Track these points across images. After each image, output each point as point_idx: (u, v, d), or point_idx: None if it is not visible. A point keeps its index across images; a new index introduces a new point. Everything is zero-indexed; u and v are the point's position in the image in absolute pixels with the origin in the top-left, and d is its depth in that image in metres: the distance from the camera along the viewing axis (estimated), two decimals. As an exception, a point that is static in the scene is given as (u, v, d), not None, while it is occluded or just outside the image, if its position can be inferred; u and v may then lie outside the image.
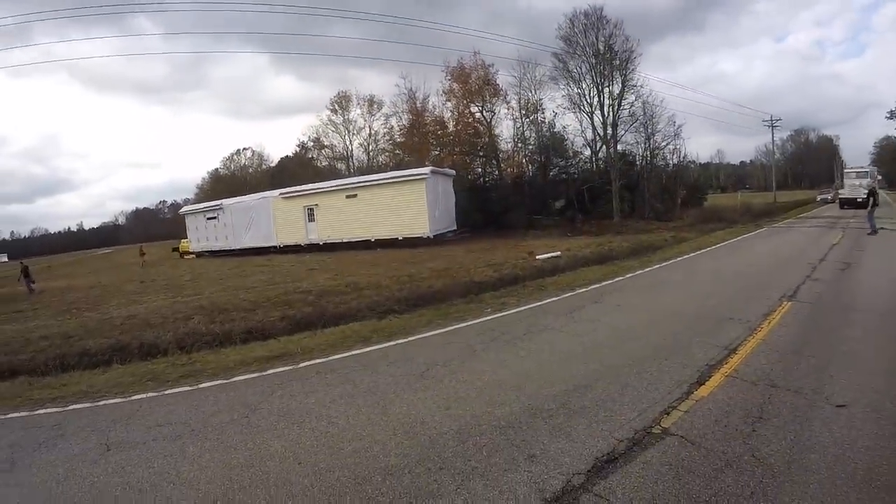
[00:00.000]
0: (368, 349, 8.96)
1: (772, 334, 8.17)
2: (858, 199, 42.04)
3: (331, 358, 8.50)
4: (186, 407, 6.66)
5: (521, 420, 5.47)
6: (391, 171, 40.99)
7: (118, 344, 9.90)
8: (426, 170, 34.94)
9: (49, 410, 6.95)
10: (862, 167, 54.79)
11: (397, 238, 33.75)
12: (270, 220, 40.31)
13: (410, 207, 33.78)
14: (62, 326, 12.48)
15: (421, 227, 33.47)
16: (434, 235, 33.67)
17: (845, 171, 54.47)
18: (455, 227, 38.18)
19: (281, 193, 40.45)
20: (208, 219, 46.16)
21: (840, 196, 50.55)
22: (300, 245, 38.13)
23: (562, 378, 6.69)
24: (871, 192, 28.88)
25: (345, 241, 35.55)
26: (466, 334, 9.58)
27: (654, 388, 6.15)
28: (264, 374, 7.88)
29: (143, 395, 7.27)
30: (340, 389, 6.86)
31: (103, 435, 5.89)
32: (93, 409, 6.88)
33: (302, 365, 8.20)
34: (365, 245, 34.31)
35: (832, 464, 4.25)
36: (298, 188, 40.69)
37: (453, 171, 40.07)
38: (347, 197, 36.63)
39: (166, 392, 7.36)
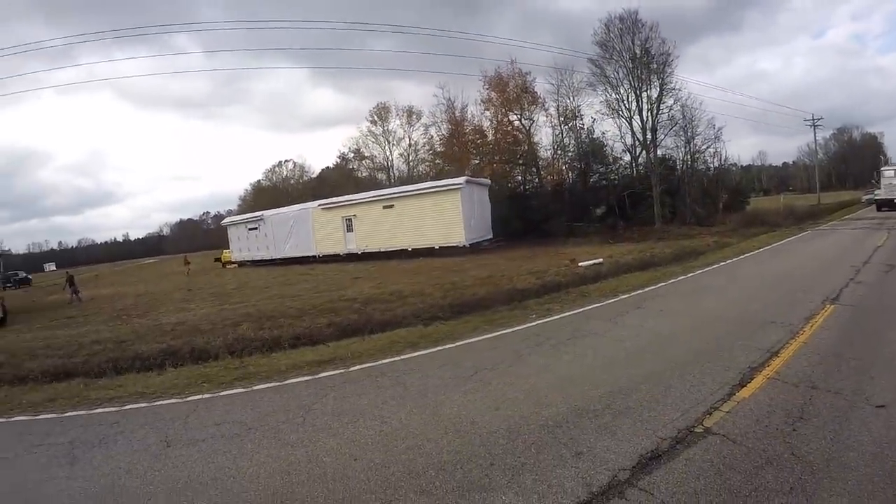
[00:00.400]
0: (416, 354, 9.12)
1: (813, 337, 8.12)
2: None
3: (380, 362, 8.67)
4: (242, 407, 6.88)
5: (567, 420, 5.57)
6: (431, 180, 41.19)
7: (170, 349, 10.20)
8: (461, 179, 35.14)
9: (107, 409, 7.21)
10: None
11: (434, 247, 33.94)
12: (310, 230, 40.83)
13: (446, 217, 33.99)
14: (114, 332, 12.89)
15: (457, 236, 33.66)
16: (470, 244, 33.81)
17: (882, 169, 49.36)
18: (491, 236, 38.27)
19: (320, 204, 41.00)
20: (250, 229, 47.02)
21: (876, 197, 47.05)
22: (339, 255, 38.47)
23: (606, 381, 6.77)
24: None
25: (382, 250, 35.82)
26: (512, 340, 9.67)
27: (697, 390, 6.20)
28: (316, 377, 8.07)
29: (199, 396, 7.50)
30: (392, 391, 7.03)
31: (162, 432, 6.11)
32: (150, 409, 7.13)
33: (353, 369, 8.39)
34: (401, 254, 34.61)
35: (870, 461, 4.28)
36: (337, 199, 41.21)
37: (488, 181, 40.28)
38: (385, 207, 36.97)
39: (221, 393, 7.59)
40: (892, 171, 46.06)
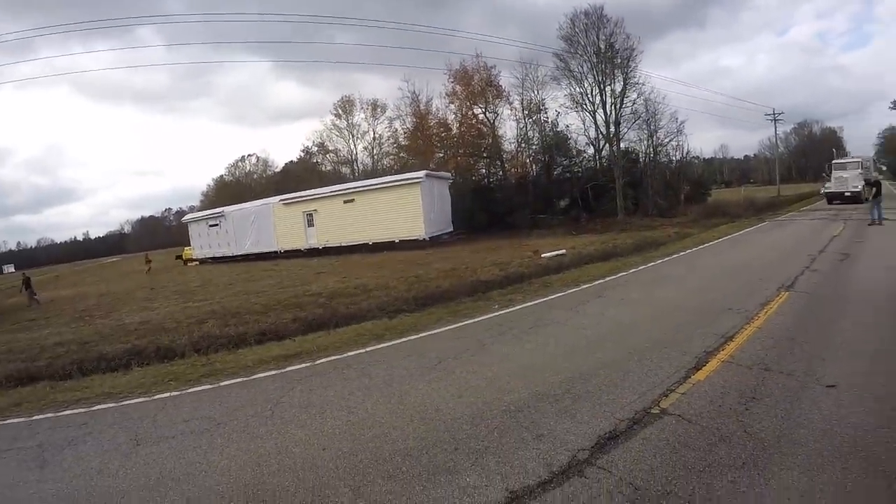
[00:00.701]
0: (382, 346, 9.25)
1: (768, 323, 8.42)
2: (847, 193, 40.23)
3: (346, 354, 8.79)
4: (210, 403, 6.94)
5: (529, 405, 5.77)
6: (396, 173, 41.28)
7: (135, 348, 10.13)
8: (420, 173, 35.49)
9: (75, 411, 7.18)
10: (853, 157, 48.15)
11: (394, 241, 34.31)
12: (271, 226, 40.91)
13: (406, 211, 34.41)
14: (77, 333, 12.75)
15: (417, 229, 34.12)
16: (430, 238, 34.26)
17: (833, 162, 46.99)
18: (451, 229, 38.73)
19: (281, 200, 41.10)
20: (210, 226, 46.70)
21: (825, 190, 44.36)
22: (300, 250, 38.61)
23: (567, 367, 6.98)
24: (875, 184, 28.92)
25: (343, 244, 36.12)
26: (475, 330, 9.85)
27: (654, 374, 6.45)
28: (283, 371, 8.15)
29: (167, 394, 7.52)
30: (358, 382, 7.16)
31: (132, 431, 6.14)
32: (118, 409, 7.12)
33: (319, 362, 8.48)
34: (362, 248, 34.87)
35: (819, 437, 4.51)
36: (298, 194, 41.36)
37: (449, 175, 40.80)
38: (345, 202, 37.30)
39: (189, 390, 7.62)
40: (844, 164, 44.85)
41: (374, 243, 34.89)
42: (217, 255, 45.28)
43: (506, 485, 4.16)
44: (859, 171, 42.07)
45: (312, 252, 37.47)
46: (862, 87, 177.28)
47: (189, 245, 51.33)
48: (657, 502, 3.80)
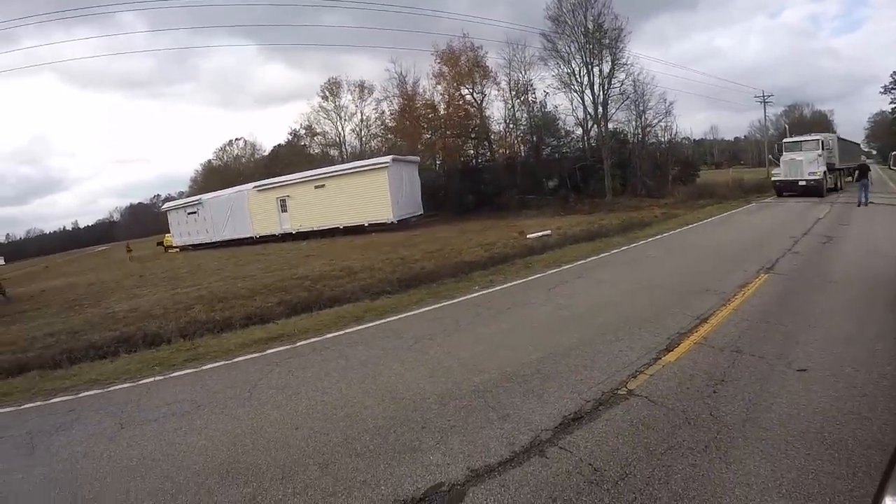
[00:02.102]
0: (361, 327, 9.43)
1: (745, 304, 8.50)
2: (802, 182, 32.03)
3: (325, 336, 8.96)
4: (192, 386, 7.10)
5: (497, 385, 5.91)
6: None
7: (123, 336, 10.26)
8: (387, 158, 36.68)
9: (62, 398, 7.29)
10: (811, 136, 37.10)
11: (363, 224, 35.41)
12: (247, 212, 41.70)
13: (374, 195, 35.32)
14: (66, 323, 12.83)
15: (385, 213, 35.09)
16: (398, 221, 35.26)
17: (785, 141, 37.55)
18: (420, 212, 39.79)
19: (255, 186, 41.97)
20: (189, 214, 47.40)
21: (774, 178, 35.49)
22: (275, 235, 39.56)
23: (540, 347, 7.10)
24: (862, 167, 28.94)
25: (315, 229, 37.08)
26: (454, 311, 10.04)
27: (625, 355, 6.53)
28: (264, 353, 8.31)
29: (151, 379, 7.66)
30: (334, 364, 7.34)
31: (116, 416, 6.28)
32: (104, 395, 7.25)
33: (299, 344, 8.65)
34: (333, 232, 35.94)
35: (785, 422, 4.54)
36: (271, 181, 42.40)
37: (417, 158, 41.53)
38: (316, 187, 38.27)
39: (172, 375, 7.77)
40: (798, 145, 35.19)
41: (344, 227, 36.00)
42: (196, 242, 46.11)
43: (467, 463, 4.27)
44: (819, 152, 33.24)
45: (286, 237, 38.45)
46: (853, 71, 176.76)
47: (169, 232, 51.82)
48: (615, 483, 3.85)
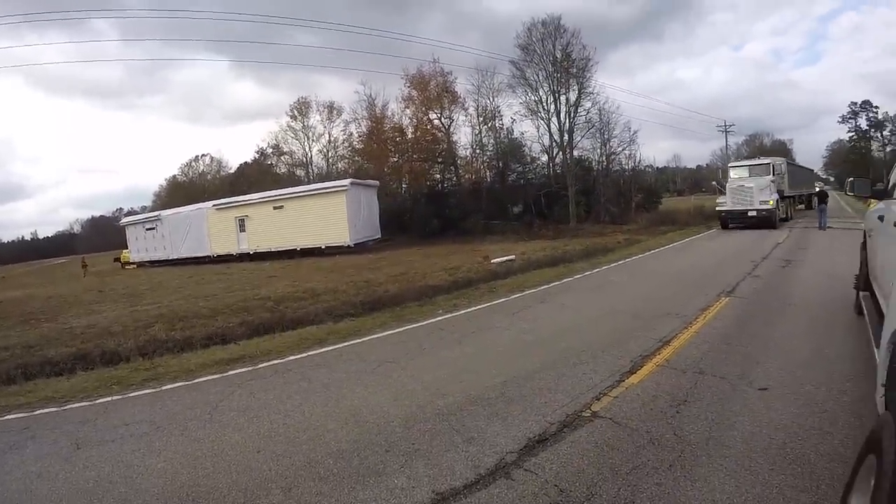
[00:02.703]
0: (324, 350, 9.38)
1: (706, 327, 8.67)
2: (753, 213, 28.55)
3: (288, 359, 8.89)
4: (151, 407, 6.95)
5: (462, 408, 5.92)
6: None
7: (80, 352, 10.01)
8: (346, 182, 37.30)
9: (17, 416, 7.08)
10: (760, 160, 35.31)
11: (321, 246, 35.66)
12: (205, 230, 41.72)
13: (332, 217, 35.72)
14: (22, 337, 12.49)
15: (342, 235, 35.52)
16: (355, 244, 35.55)
17: (731, 166, 36.31)
18: (378, 235, 40.03)
19: (214, 205, 42.25)
20: (147, 229, 47.39)
21: (720, 208, 31.13)
22: (232, 254, 39.60)
23: (503, 371, 7.13)
24: (821, 193, 29.73)
25: (272, 250, 37.21)
26: (417, 334, 10.05)
27: (589, 378, 6.59)
28: (225, 374, 8.20)
29: (109, 398, 7.49)
30: (297, 386, 7.28)
31: (72, 435, 6.11)
32: (60, 413, 7.06)
33: (261, 366, 8.55)
34: (291, 254, 36.07)
35: (748, 439, 4.64)
36: (230, 199, 42.82)
37: (376, 182, 41.88)
38: (275, 208, 38.65)
39: (131, 394, 7.61)
40: (745, 170, 32.78)
41: (301, 249, 36.21)
42: (153, 259, 46.03)
43: (432, 486, 4.26)
44: (771, 178, 30.05)
45: (244, 257, 38.52)
46: (812, 102, 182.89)
47: (127, 248, 51.32)
48: None
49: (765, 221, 27.94)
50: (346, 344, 9.70)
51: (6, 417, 7.10)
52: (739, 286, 12.04)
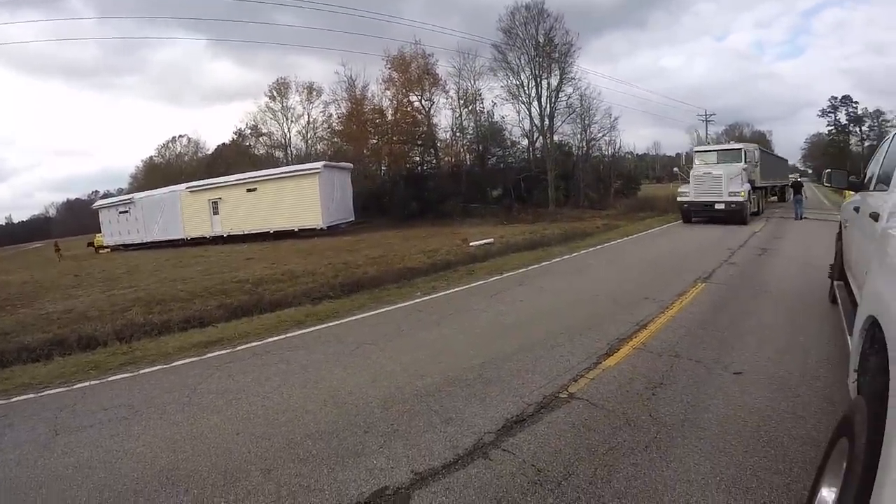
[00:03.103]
0: (302, 332, 9.37)
1: (682, 312, 8.76)
2: (721, 205, 25.03)
3: (266, 341, 8.87)
4: (129, 391, 6.91)
5: (440, 389, 5.97)
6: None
7: (56, 338, 9.90)
8: (319, 164, 37.65)
9: None
10: (730, 145, 33.88)
11: (294, 229, 35.92)
12: (178, 213, 41.75)
13: (305, 200, 36.07)
14: (-3, 324, 12.42)
15: (315, 218, 35.94)
16: (328, 227, 35.88)
17: (695, 150, 33.17)
18: (352, 218, 40.33)
19: (188, 187, 42.23)
20: (120, 213, 47.12)
21: (682, 199, 27.62)
22: (206, 237, 39.61)
23: (481, 353, 7.19)
24: (796, 184, 29.71)
25: (246, 232, 37.44)
26: (396, 316, 10.10)
27: (566, 360, 6.66)
28: (203, 357, 8.18)
29: (87, 383, 7.42)
30: (275, 368, 7.28)
31: (51, 422, 6.05)
32: (38, 400, 6.98)
33: (239, 348, 8.54)
34: (265, 237, 36.32)
35: (723, 422, 4.71)
36: (204, 182, 42.83)
37: (350, 165, 42.17)
38: (248, 191, 38.90)
39: (109, 379, 7.55)
40: (712, 155, 29.17)
41: (274, 231, 36.47)
42: (127, 242, 45.85)
43: (411, 466, 4.31)
44: (742, 166, 26.49)
45: (217, 239, 38.49)
46: (793, 95, 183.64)
47: (100, 232, 50.95)
48: (558, 483, 3.92)
49: (734, 216, 24.46)
50: (324, 326, 9.71)
51: (-18, 405, 7.00)
52: (716, 272, 12.16)
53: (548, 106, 43.50)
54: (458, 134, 48.36)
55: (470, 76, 46.44)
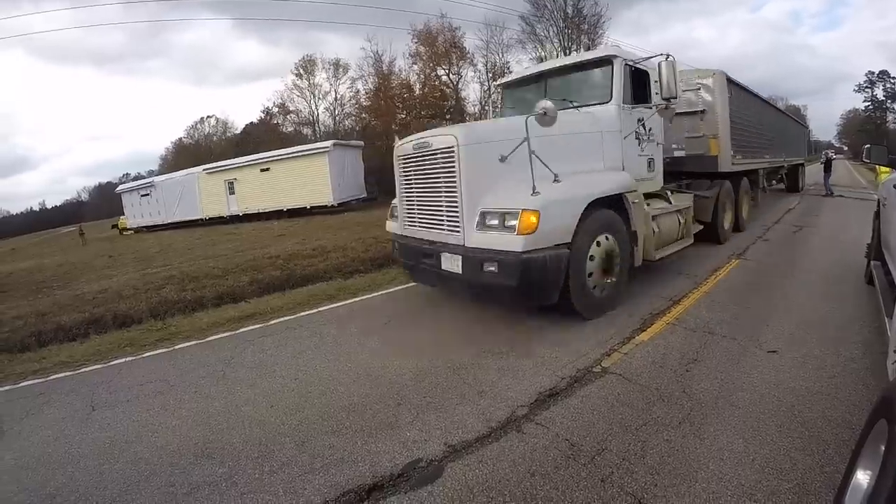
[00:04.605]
0: (335, 305, 9.39)
1: (716, 288, 8.55)
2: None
3: (299, 315, 8.89)
4: (164, 366, 6.99)
5: (474, 362, 5.91)
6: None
7: (92, 317, 10.04)
8: (328, 143, 38.64)
9: (32, 382, 7.12)
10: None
11: (306, 206, 37.34)
12: (196, 194, 43.30)
13: (315, 178, 37.15)
14: (35, 305, 12.53)
15: (325, 195, 37.03)
16: (338, 203, 37.08)
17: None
18: (364, 195, 41.33)
19: (205, 169, 43.78)
20: (142, 196, 49.14)
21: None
22: (223, 216, 41.32)
23: (513, 326, 7.14)
24: (827, 161, 29.26)
25: (261, 210, 38.90)
26: (425, 288, 9.86)
27: (600, 334, 6.56)
28: (237, 332, 8.22)
29: (123, 360, 7.52)
30: (308, 342, 7.28)
31: (87, 398, 6.14)
32: (75, 377, 7.09)
33: (272, 322, 8.57)
34: (278, 214, 37.70)
35: (757, 400, 4.62)
36: (220, 164, 44.41)
37: (361, 143, 43.13)
38: (262, 170, 40.14)
39: (144, 355, 7.64)
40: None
41: (287, 209, 37.71)
42: (149, 224, 47.71)
43: (445, 439, 4.28)
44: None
45: (234, 218, 40.09)
46: (829, 69, 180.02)
47: (123, 215, 53.45)
48: (591, 458, 3.89)
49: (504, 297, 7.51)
50: (356, 299, 9.71)
51: (22, 384, 7.12)
52: (750, 249, 11.83)
53: (578, 78, 42.58)
54: (487, 107, 47.90)
55: (498, 49, 46.12)
